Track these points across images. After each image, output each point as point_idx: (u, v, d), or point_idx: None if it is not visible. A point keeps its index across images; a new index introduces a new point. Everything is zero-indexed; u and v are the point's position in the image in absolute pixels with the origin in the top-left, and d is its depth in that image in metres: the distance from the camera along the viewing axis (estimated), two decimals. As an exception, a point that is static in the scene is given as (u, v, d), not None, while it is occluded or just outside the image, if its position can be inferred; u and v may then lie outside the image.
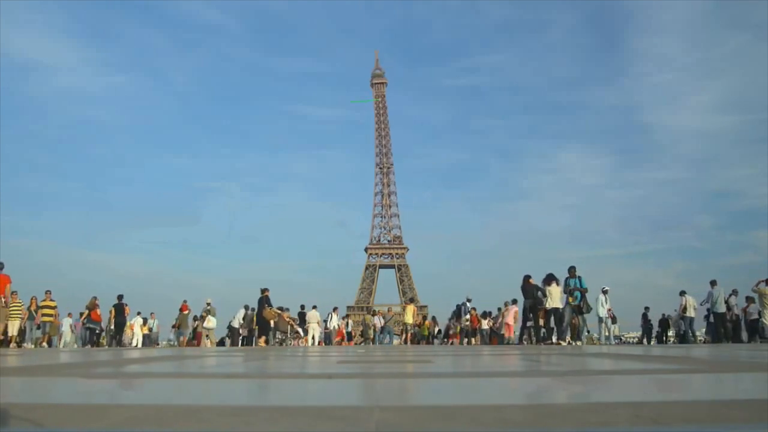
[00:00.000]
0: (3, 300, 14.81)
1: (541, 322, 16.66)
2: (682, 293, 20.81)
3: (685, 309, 20.52)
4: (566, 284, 15.88)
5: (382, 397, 2.43)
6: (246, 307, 22.86)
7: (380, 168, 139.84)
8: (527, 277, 16.70)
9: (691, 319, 20.47)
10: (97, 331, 20.69)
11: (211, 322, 22.92)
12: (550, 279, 16.11)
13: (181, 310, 24.23)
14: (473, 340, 23.06)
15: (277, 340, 20.58)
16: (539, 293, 16.28)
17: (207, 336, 22.88)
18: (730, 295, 19.50)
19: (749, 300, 19.44)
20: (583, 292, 15.90)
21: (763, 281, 17.51)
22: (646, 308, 25.35)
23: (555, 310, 15.93)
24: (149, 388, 3.03)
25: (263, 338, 19.41)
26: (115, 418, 1.72)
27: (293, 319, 21.86)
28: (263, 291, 20.03)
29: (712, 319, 19.76)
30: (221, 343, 26.97)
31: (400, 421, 1.64)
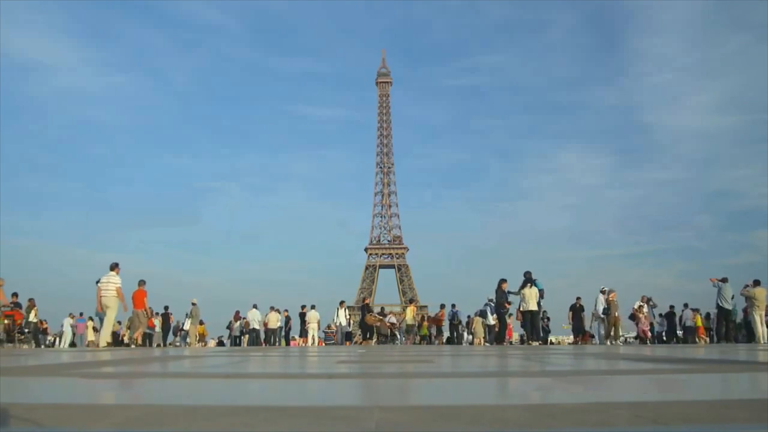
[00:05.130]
0: (147, 311, 17.04)
1: (516, 325, 16.76)
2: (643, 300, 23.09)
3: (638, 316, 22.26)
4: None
5: (382, 397, 2.43)
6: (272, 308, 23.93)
7: (381, 168, 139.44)
8: (501, 281, 16.47)
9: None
10: (152, 335, 22.59)
11: (186, 324, 22.96)
12: (525, 282, 15.92)
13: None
14: (439, 340, 24.00)
15: (378, 341, 22.44)
16: (504, 297, 16.30)
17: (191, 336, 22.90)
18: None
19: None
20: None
21: (749, 284, 17.42)
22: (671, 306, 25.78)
23: (529, 312, 15.67)
24: (149, 388, 3.03)
25: (367, 340, 21.27)
26: (115, 418, 1.72)
27: (392, 324, 23.73)
28: (363, 300, 22.46)
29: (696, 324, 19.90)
30: (221, 343, 26.94)
31: (400, 421, 1.64)
